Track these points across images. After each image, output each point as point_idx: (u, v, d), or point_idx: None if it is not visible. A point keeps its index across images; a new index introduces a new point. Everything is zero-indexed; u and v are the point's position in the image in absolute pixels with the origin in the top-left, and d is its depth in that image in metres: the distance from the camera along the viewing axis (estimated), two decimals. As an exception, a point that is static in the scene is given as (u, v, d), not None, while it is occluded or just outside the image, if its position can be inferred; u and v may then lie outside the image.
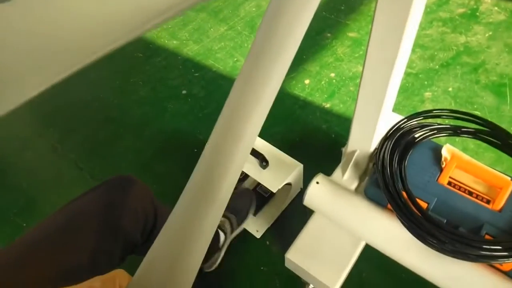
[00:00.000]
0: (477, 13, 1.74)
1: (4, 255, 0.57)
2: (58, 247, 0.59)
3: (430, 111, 0.80)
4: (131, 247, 0.69)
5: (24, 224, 1.27)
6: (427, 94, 1.44)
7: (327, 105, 1.48)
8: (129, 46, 1.80)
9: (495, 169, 0.75)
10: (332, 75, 1.58)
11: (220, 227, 1.06)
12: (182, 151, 1.41)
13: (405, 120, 0.82)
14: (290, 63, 0.38)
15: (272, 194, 1.20)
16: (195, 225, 0.34)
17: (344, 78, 1.56)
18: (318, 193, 0.84)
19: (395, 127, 0.82)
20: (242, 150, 0.36)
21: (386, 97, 0.74)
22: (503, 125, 1.36)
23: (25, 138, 1.56)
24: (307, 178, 1.17)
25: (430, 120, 0.83)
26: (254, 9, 1.92)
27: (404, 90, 1.46)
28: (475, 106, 1.38)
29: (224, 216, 1.07)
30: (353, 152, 0.87)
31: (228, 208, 1.07)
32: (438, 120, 0.84)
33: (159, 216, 0.75)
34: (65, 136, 1.53)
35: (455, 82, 1.47)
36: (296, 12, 0.36)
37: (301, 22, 0.37)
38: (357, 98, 0.79)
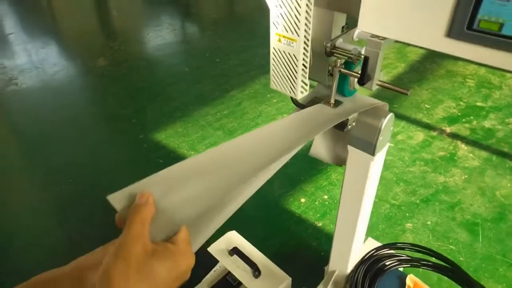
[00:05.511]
0: (455, 157, 2.02)
1: None
2: None
3: (395, 243, 0.98)
4: None
5: None
6: (408, 225, 1.62)
7: (319, 224, 1.65)
8: (152, 153, 2.08)
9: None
10: (325, 197, 1.79)
11: None
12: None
13: (376, 249, 0.99)
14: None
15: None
16: None
17: (335, 201, 1.76)
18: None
19: (368, 254, 0.99)
20: None
21: (357, 228, 0.93)
22: (475, 262, 1.51)
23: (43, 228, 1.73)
24: (294, 291, 1.28)
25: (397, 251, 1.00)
26: (264, 132, 2.24)
27: (388, 219, 1.65)
28: (451, 241, 1.54)
29: None
30: (333, 272, 1.02)
31: None
32: (404, 251, 1.00)
33: None
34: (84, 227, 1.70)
35: (434, 216, 1.66)
36: None
37: None
38: (335, 226, 0.98)
